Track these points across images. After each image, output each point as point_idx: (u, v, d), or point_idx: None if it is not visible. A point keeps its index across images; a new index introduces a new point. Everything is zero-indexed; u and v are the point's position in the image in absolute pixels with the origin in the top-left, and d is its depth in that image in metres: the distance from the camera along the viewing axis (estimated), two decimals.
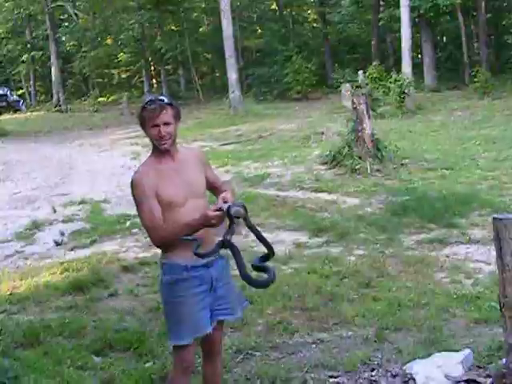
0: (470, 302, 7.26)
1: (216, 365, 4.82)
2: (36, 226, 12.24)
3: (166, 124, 4.32)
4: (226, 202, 4.26)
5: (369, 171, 15.42)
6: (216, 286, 4.50)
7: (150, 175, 4.34)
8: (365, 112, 16.16)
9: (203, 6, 54.69)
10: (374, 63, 37.72)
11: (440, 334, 6.35)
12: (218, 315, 4.56)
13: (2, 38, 58.97)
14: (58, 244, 10.95)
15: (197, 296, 4.40)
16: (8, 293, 8.44)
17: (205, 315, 4.45)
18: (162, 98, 4.38)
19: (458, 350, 5.64)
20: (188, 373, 4.59)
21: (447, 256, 9.20)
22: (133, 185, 4.37)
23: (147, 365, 6.02)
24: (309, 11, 59.66)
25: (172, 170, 4.38)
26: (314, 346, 6.38)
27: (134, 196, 4.41)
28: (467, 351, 5.53)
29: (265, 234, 9.71)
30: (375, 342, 6.33)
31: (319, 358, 6.01)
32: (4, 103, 49.47)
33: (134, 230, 11.32)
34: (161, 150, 4.39)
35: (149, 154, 4.54)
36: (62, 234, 11.51)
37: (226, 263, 4.71)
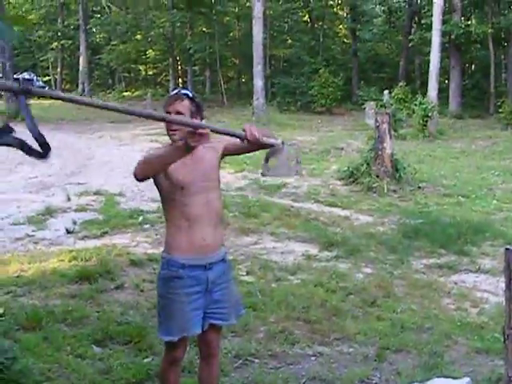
0: (474, 331, 7.22)
1: (212, 367, 4.81)
2: (49, 212, 12.29)
3: (178, 113, 4.27)
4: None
5: (385, 191, 15.39)
6: (212, 288, 4.48)
7: None
8: (387, 131, 16.14)
9: (236, 10, 54.86)
10: (400, 84, 37.67)
11: (441, 359, 6.32)
12: (210, 318, 4.54)
13: (34, 24, 59.18)
14: (69, 232, 10.98)
15: (190, 296, 4.39)
16: (15, 275, 8.48)
17: (196, 316, 4.44)
18: (185, 91, 4.37)
19: (457, 378, 5.62)
20: (175, 365, 4.66)
21: (455, 283, 9.16)
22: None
23: (146, 360, 6.03)
24: (340, 26, 59.79)
25: (188, 160, 4.26)
26: (313, 358, 6.37)
27: None
28: (466, 380, 5.51)
29: (275, 244, 9.72)
30: (375, 361, 6.32)
31: (317, 371, 6.00)
32: None
33: (146, 226, 11.36)
34: (173, 140, 4.34)
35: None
36: (74, 222, 11.54)
37: (228, 268, 4.69)
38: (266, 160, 4.42)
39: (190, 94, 4.36)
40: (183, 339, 4.50)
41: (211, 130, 3.79)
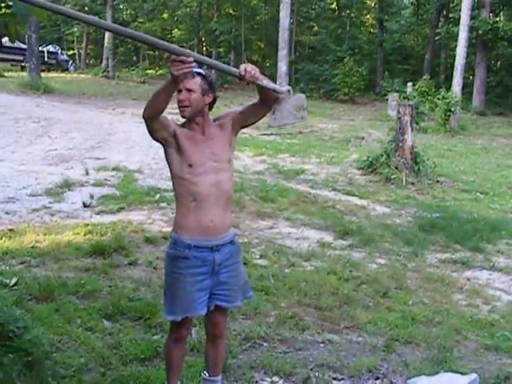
0: (484, 328, 7.21)
1: (218, 348, 4.81)
2: (67, 185, 12.31)
3: (188, 90, 4.27)
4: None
5: (403, 183, 15.37)
6: (219, 270, 4.47)
7: (179, 130, 4.34)
8: (408, 124, 16.08)
9: None
10: (425, 77, 37.46)
11: (449, 354, 6.31)
12: (216, 300, 4.54)
13: None
14: (85, 206, 11.01)
15: (195, 276, 4.39)
16: (30, 245, 8.52)
17: (201, 297, 4.44)
18: (198, 69, 4.31)
19: (464, 373, 5.62)
20: (179, 342, 4.67)
21: (468, 279, 9.14)
22: None
23: (155, 337, 6.05)
24: (367, 16, 59.51)
25: (200, 139, 4.33)
26: (322, 345, 6.38)
27: None
28: (474, 376, 5.49)
29: (290, 229, 9.71)
30: (383, 351, 6.31)
31: (325, 358, 6.00)
32: (54, 61, 49.71)
33: (163, 204, 11.38)
34: (181, 116, 4.38)
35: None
36: (92, 196, 11.57)
37: (236, 251, 4.66)
38: (273, 111, 4.41)
39: (203, 72, 4.34)
40: (187, 319, 4.51)
41: (200, 62, 3.90)
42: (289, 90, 4.36)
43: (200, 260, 4.39)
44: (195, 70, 4.25)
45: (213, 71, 4.37)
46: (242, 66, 4.08)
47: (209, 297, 4.50)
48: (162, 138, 4.31)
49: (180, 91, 4.28)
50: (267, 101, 4.38)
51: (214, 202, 4.37)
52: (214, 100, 4.43)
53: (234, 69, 4.10)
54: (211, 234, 4.39)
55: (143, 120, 4.20)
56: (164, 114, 4.16)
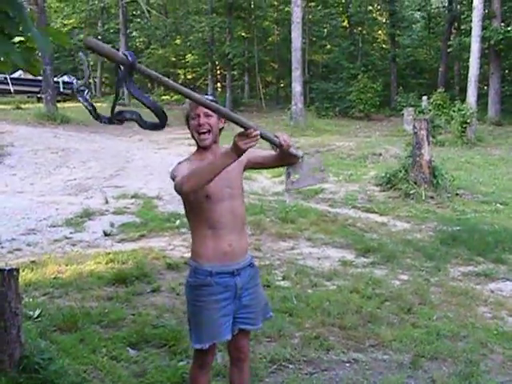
0: (510, 340, 7.16)
1: (243, 372, 4.81)
2: (87, 214, 12.39)
3: (207, 115, 4.27)
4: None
5: (422, 197, 15.33)
6: (241, 294, 4.48)
7: (193, 165, 4.27)
8: (425, 138, 16.06)
9: (275, 15, 54.94)
10: (439, 90, 37.37)
11: (476, 368, 6.26)
12: (240, 323, 4.55)
13: (75, 28, 59.58)
14: (106, 234, 11.07)
15: (219, 303, 4.39)
16: (53, 276, 8.57)
17: (225, 322, 4.44)
18: (208, 96, 4.24)
19: None
20: (204, 369, 4.64)
21: (492, 291, 9.10)
22: (175, 172, 4.25)
23: (180, 363, 6.04)
24: (379, 32, 59.55)
25: None
26: (347, 365, 6.36)
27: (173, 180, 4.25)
28: None
29: (311, 249, 9.70)
30: (410, 368, 6.28)
31: (352, 378, 5.98)
32: (69, 91, 50.09)
33: (183, 230, 11.40)
34: (202, 146, 4.36)
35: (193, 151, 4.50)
36: (112, 225, 11.64)
37: (256, 272, 4.68)
38: (288, 175, 4.46)
39: (214, 98, 4.26)
40: (213, 345, 4.52)
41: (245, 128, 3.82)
42: (302, 156, 4.45)
43: (222, 286, 4.39)
44: (206, 96, 4.27)
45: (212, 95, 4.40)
46: (281, 137, 4.12)
47: (232, 321, 4.50)
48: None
49: (197, 117, 4.29)
50: (286, 161, 4.45)
51: (231, 228, 4.38)
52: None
53: (275, 138, 4.12)
54: (231, 258, 4.40)
55: (178, 192, 4.13)
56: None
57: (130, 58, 3.47)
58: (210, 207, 4.31)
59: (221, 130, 4.43)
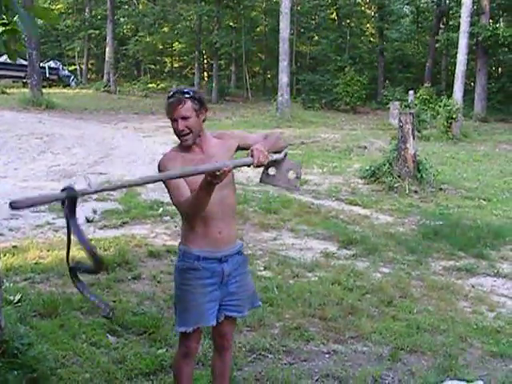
0: (489, 335, 7.19)
1: (225, 359, 4.83)
2: None
3: (184, 118, 4.25)
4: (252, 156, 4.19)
5: (406, 191, 15.37)
6: (228, 281, 4.51)
7: (177, 162, 4.29)
8: (410, 132, 16.08)
9: (263, 5, 54.85)
10: (426, 85, 37.47)
11: (455, 362, 6.29)
12: (225, 310, 4.57)
13: (62, 13, 59.29)
14: (89, 221, 11.02)
15: (205, 287, 4.41)
16: (34, 262, 8.54)
17: (211, 308, 4.46)
18: (185, 90, 4.29)
19: (470, 381, 5.61)
20: (189, 357, 4.64)
21: (473, 286, 9.13)
22: (159, 167, 4.31)
23: (160, 351, 6.04)
24: (367, 25, 59.58)
25: (200, 160, 4.28)
26: (327, 356, 6.37)
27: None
28: (480, 383, 5.49)
29: (294, 240, 9.71)
30: (389, 360, 6.31)
31: (331, 369, 6.00)
32: (55, 77, 49.91)
33: (166, 218, 11.40)
34: (185, 146, 4.37)
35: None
36: (95, 211, 11.60)
37: (244, 261, 4.70)
38: (267, 167, 4.47)
39: (191, 93, 4.29)
40: (197, 330, 4.52)
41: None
42: (285, 154, 4.54)
43: (209, 271, 4.41)
44: (183, 90, 4.25)
45: (196, 86, 4.39)
46: (256, 153, 4.16)
47: (218, 308, 4.52)
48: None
49: (175, 121, 4.28)
50: (273, 149, 4.44)
51: (221, 217, 4.39)
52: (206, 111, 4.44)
53: (248, 159, 4.17)
54: (219, 245, 4.42)
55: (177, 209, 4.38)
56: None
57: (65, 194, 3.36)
58: None
59: (204, 120, 4.40)
